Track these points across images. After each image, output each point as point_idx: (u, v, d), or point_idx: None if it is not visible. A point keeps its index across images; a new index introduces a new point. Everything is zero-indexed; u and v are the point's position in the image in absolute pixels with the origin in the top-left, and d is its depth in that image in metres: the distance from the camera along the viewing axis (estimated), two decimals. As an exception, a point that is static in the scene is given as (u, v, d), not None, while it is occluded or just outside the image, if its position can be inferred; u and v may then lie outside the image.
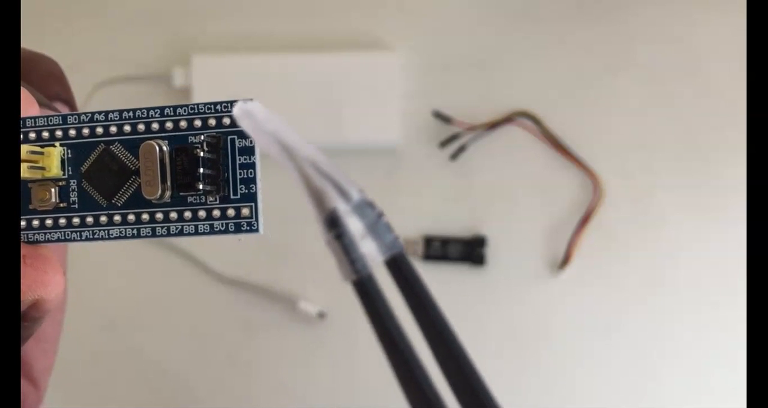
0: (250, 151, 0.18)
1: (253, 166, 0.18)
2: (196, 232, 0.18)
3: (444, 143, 0.56)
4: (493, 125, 0.56)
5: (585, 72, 0.57)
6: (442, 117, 0.56)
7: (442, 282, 0.56)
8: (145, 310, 0.58)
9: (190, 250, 0.57)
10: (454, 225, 0.56)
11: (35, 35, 0.57)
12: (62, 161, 0.19)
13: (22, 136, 0.19)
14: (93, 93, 0.56)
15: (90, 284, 0.56)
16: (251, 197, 0.18)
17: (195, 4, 0.58)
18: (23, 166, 0.18)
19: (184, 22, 0.58)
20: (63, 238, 0.19)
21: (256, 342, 0.57)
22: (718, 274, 0.55)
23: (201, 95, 0.56)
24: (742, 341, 0.54)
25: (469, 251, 0.55)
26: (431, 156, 0.57)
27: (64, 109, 0.23)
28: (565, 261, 0.55)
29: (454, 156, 0.56)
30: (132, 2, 0.59)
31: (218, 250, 0.57)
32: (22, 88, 0.19)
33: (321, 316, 0.56)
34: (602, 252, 0.56)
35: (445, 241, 0.56)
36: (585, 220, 0.55)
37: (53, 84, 0.22)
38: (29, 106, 0.19)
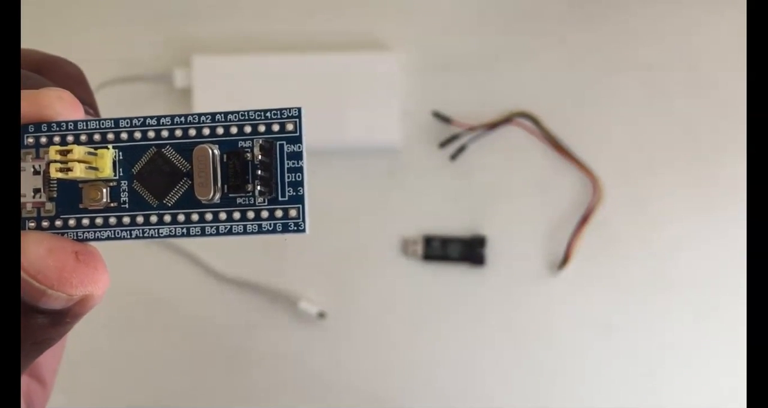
0: (298, 156, 0.19)
1: (300, 170, 0.19)
2: (245, 232, 0.19)
3: (444, 143, 0.56)
4: (493, 125, 0.56)
5: (585, 72, 0.57)
6: (442, 117, 0.56)
7: (442, 282, 0.56)
8: (145, 310, 0.58)
9: (190, 250, 0.57)
10: (454, 225, 0.56)
11: (35, 36, 0.57)
12: (114, 163, 0.20)
13: (73, 138, 0.20)
14: (93, 94, 0.56)
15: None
16: (299, 199, 0.19)
17: (195, 4, 0.58)
18: (80, 166, 0.19)
19: (184, 23, 0.58)
20: (113, 236, 0.19)
21: (256, 342, 0.57)
22: (718, 274, 0.55)
23: (202, 96, 0.56)
24: (742, 341, 0.54)
25: (469, 251, 0.56)
26: (431, 156, 0.57)
27: (90, 112, 0.24)
28: (565, 261, 0.55)
29: (454, 156, 0.56)
30: (132, 2, 0.59)
31: (219, 250, 0.57)
32: (68, 92, 0.20)
33: (321, 316, 0.56)
34: (602, 252, 0.56)
35: (445, 241, 0.56)
36: (584, 220, 0.55)
37: (75, 87, 0.22)
38: (76, 109, 0.20)
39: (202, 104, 0.56)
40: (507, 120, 0.56)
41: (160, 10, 0.58)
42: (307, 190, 0.19)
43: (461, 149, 0.56)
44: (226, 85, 0.56)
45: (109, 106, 0.57)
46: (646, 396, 0.55)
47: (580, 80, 0.57)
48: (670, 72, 0.56)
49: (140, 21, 0.59)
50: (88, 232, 0.20)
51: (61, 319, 0.19)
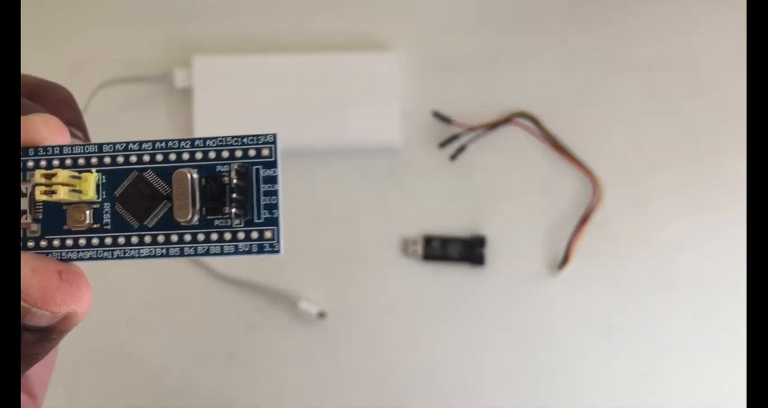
0: (273, 180, 0.20)
1: (275, 193, 0.20)
2: (222, 252, 0.20)
3: (444, 143, 0.56)
4: (492, 125, 0.56)
5: (585, 72, 0.57)
6: (441, 117, 0.56)
7: (442, 282, 0.56)
8: (145, 310, 0.58)
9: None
10: (454, 225, 0.56)
11: (36, 37, 0.57)
12: (97, 186, 0.20)
13: (58, 162, 0.21)
14: (94, 94, 0.56)
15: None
16: (274, 221, 0.20)
17: (195, 4, 0.58)
18: (64, 189, 0.20)
19: (184, 23, 0.58)
20: (95, 256, 0.20)
21: (256, 342, 0.57)
22: (718, 274, 0.55)
23: (202, 96, 0.56)
24: (742, 341, 0.54)
25: (469, 251, 0.55)
26: (431, 156, 0.57)
27: (77, 134, 0.25)
28: (565, 261, 0.55)
29: (454, 156, 0.56)
30: (132, 2, 0.59)
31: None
32: (54, 117, 0.20)
33: (321, 316, 0.56)
34: (602, 252, 0.56)
35: (445, 241, 0.56)
36: (584, 220, 0.55)
37: (66, 110, 0.23)
38: (62, 134, 0.21)
39: (203, 104, 0.56)
40: (507, 120, 0.56)
41: (160, 10, 0.58)
42: (282, 213, 0.20)
43: (461, 149, 0.56)
44: (226, 85, 0.56)
45: (110, 107, 0.57)
46: (646, 396, 0.55)
47: (580, 80, 0.57)
48: (670, 72, 0.56)
49: (140, 21, 0.59)
50: (72, 252, 0.20)
51: (47, 335, 0.20)
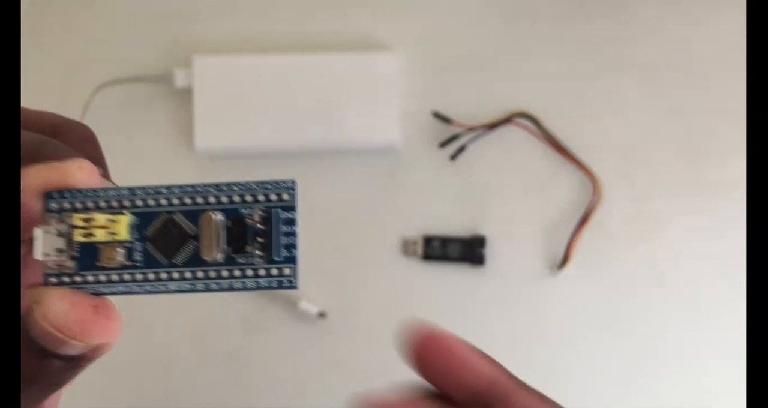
0: (292, 222, 0.22)
1: (294, 234, 0.22)
2: (244, 288, 0.22)
3: (444, 143, 0.56)
4: (492, 126, 0.56)
5: (585, 72, 0.57)
6: (441, 117, 0.56)
7: (442, 282, 0.56)
8: (145, 310, 0.58)
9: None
10: (454, 225, 0.56)
11: (36, 37, 0.57)
12: (129, 226, 0.22)
13: (93, 205, 0.22)
14: (94, 94, 0.56)
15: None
16: (292, 260, 0.22)
17: (195, 4, 0.58)
18: (101, 231, 0.22)
19: (185, 23, 0.58)
20: (126, 291, 0.22)
21: (256, 342, 0.57)
22: (718, 274, 0.55)
23: (202, 96, 0.56)
24: (742, 341, 0.54)
25: (469, 251, 0.56)
26: (431, 156, 0.57)
27: (99, 171, 0.26)
28: (565, 261, 0.55)
29: (454, 156, 0.56)
30: (132, 3, 0.59)
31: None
32: (88, 162, 0.22)
33: (321, 315, 0.56)
34: (601, 252, 0.56)
35: (445, 241, 0.56)
36: (583, 221, 0.55)
37: (87, 148, 0.25)
38: (94, 176, 0.22)
39: (203, 104, 0.56)
40: (507, 120, 0.56)
41: (160, 10, 0.58)
42: (300, 252, 0.22)
43: (461, 149, 0.56)
44: (227, 85, 0.56)
45: (110, 107, 0.57)
46: (646, 396, 0.55)
47: (580, 80, 0.57)
48: (670, 72, 0.56)
49: (140, 21, 0.59)
50: (105, 287, 0.22)
51: (77, 363, 0.21)
